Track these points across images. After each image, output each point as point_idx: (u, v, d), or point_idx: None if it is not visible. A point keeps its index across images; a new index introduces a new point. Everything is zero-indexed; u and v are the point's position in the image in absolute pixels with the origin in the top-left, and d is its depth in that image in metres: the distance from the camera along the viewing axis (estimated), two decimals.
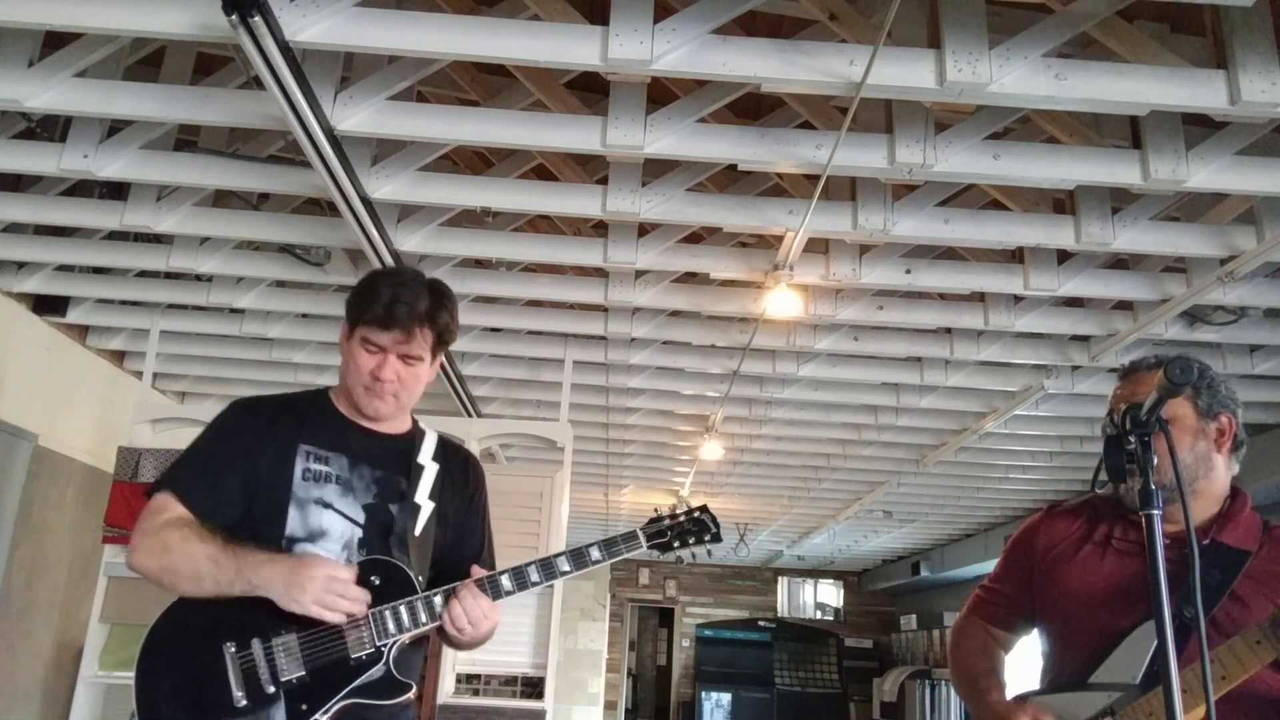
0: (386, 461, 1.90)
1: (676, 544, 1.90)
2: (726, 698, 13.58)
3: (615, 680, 13.52)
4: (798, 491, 8.50)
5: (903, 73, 2.67)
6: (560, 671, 5.28)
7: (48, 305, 5.00)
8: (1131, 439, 1.47)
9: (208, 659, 1.69)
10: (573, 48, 2.70)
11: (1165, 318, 4.10)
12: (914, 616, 12.84)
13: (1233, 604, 1.64)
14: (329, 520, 1.80)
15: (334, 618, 1.69)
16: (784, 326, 4.74)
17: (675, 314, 4.88)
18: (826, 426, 6.40)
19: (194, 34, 2.60)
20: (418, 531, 1.88)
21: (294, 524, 1.78)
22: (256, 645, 1.70)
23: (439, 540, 1.93)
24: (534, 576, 1.82)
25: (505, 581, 1.81)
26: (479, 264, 4.47)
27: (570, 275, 4.63)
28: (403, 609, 1.76)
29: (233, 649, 1.69)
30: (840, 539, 11.01)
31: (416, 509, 1.90)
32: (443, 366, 5.17)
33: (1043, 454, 6.69)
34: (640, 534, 1.89)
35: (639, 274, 4.38)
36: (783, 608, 14.52)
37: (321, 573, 1.68)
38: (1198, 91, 2.69)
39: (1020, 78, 2.68)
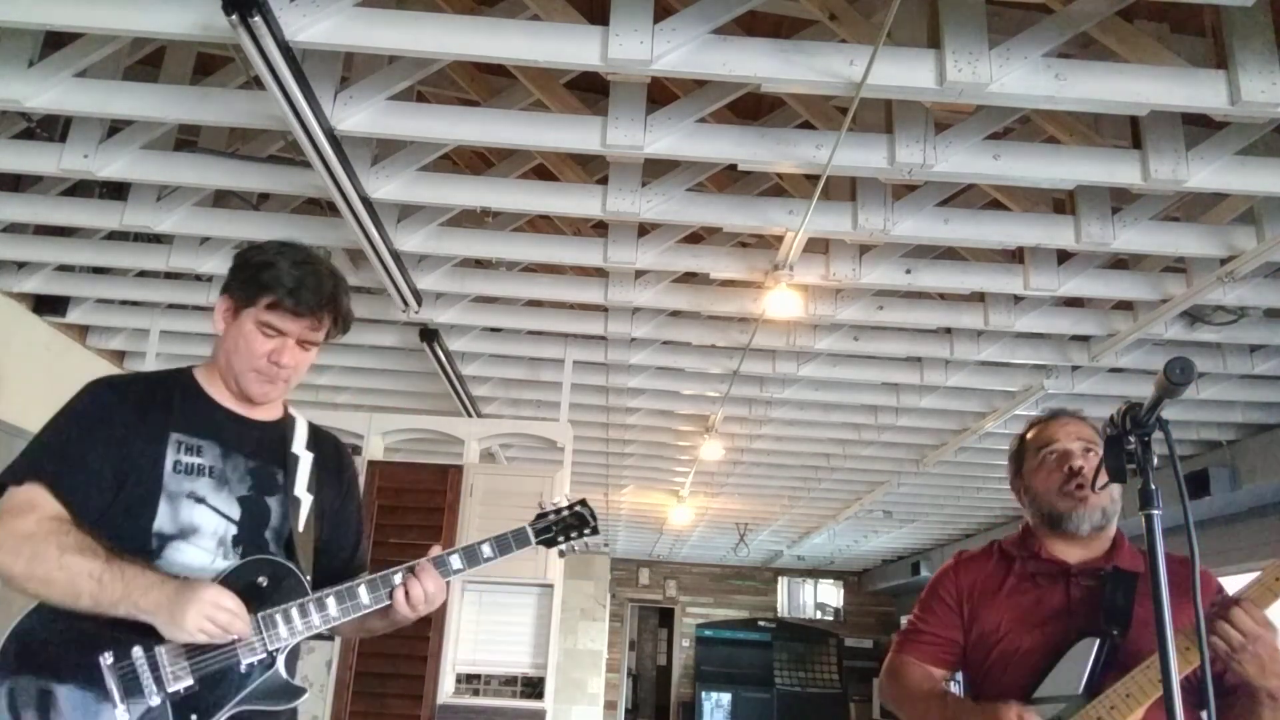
0: (261, 451, 1.78)
1: (561, 539, 1.92)
2: (726, 698, 13.57)
3: (615, 680, 13.50)
4: (798, 491, 8.50)
5: (903, 73, 2.67)
6: (560, 671, 5.27)
7: (48, 305, 5.01)
8: (1131, 439, 1.48)
9: (83, 671, 1.52)
10: (573, 48, 2.70)
11: (1165, 318, 4.10)
12: None
13: (1136, 621, 1.77)
14: (201, 515, 1.66)
15: (217, 639, 1.56)
16: (784, 326, 4.74)
17: (675, 314, 4.88)
18: (826, 426, 6.40)
19: (194, 34, 2.60)
20: (300, 527, 1.77)
21: (163, 519, 1.63)
22: (138, 653, 1.55)
23: (319, 534, 1.83)
24: (456, 564, 1.81)
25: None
26: (479, 264, 4.47)
27: (570, 275, 4.63)
28: (294, 611, 1.66)
29: (110, 659, 1.53)
30: (840, 539, 11.01)
31: (297, 503, 1.78)
32: (442, 366, 5.23)
33: None
34: (529, 530, 1.90)
35: (639, 274, 4.38)
36: (783, 608, 14.52)
37: (207, 596, 1.53)
38: (1198, 91, 2.69)
39: (1020, 78, 2.68)
